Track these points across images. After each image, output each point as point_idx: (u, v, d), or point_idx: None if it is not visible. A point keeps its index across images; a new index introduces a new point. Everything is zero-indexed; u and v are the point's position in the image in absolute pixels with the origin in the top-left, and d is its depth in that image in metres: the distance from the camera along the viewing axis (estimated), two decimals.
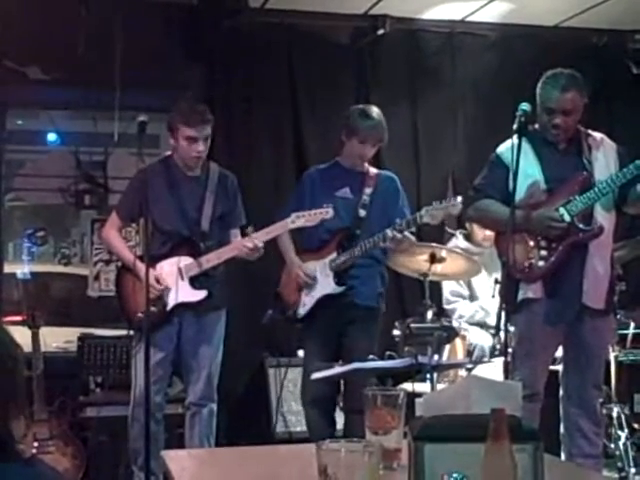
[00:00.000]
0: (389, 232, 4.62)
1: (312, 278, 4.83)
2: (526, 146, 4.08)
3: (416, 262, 4.98)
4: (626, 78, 7.02)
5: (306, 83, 6.38)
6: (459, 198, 4.66)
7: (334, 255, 4.83)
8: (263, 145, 6.30)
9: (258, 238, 4.52)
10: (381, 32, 6.46)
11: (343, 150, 4.96)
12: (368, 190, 4.91)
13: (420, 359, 4.21)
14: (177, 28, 6.08)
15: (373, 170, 5.03)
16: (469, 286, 5.74)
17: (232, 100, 6.14)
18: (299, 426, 5.35)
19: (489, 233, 5.21)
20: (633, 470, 5.00)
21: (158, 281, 4.49)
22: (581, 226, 4.13)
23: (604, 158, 4.26)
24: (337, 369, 4.12)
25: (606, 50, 6.98)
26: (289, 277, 4.94)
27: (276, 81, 6.33)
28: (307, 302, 4.86)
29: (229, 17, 6.09)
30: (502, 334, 3.95)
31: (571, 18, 6.68)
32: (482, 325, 5.59)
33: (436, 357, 4.54)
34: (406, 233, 4.69)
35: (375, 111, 4.91)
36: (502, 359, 3.93)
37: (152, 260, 4.39)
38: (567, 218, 4.12)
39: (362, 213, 4.88)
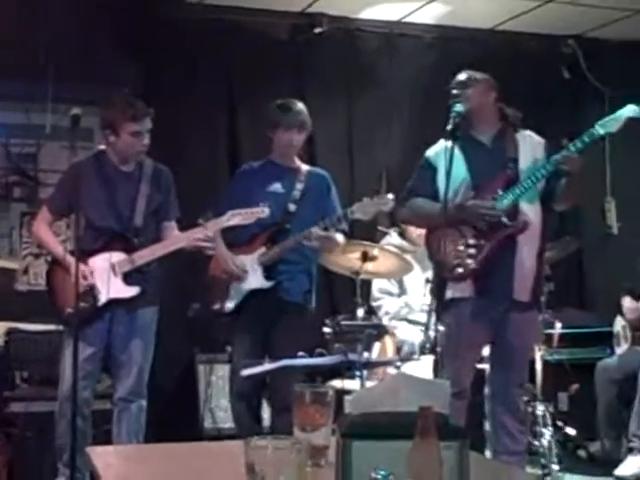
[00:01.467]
0: (314, 230, 4.65)
1: (244, 272, 4.83)
2: (453, 146, 4.11)
3: (348, 260, 5.01)
4: (559, 82, 7.14)
5: (242, 79, 6.36)
6: (390, 195, 4.72)
7: (263, 249, 4.84)
8: (198, 141, 6.27)
9: (209, 228, 4.51)
10: (318, 30, 6.48)
11: (273, 146, 4.98)
12: (299, 185, 4.94)
13: (350, 356, 4.24)
14: (112, 21, 6.01)
15: (305, 166, 5.07)
16: (400, 283, 5.78)
17: (167, 95, 6.08)
18: (228, 422, 5.33)
19: (423, 230, 5.27)
20: (556, 467, 5.09)
21: (84, 277, 4.43)
22: (507, 222, 4.18)
23: (531, 154, 4.31)
24: (267, 366, 4.13)
25: (540, 54, 7.09)
26: (217, 271, 4.94)
27: (212, 77, 6.31)
28: (235, 296, 4.86)
29: (165, 12, 6.04)
30: (432, 332, 4.00)
31: (507, 22, 6.77)
32: (410, 321, 5.64)
33: (366, 354, 4.58)
34: (331, 233, 4.72)
35: (295, 102, 5.00)
36: (431, 357, 3.97)
37: (84, 255, 4.34)
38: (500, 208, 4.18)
39: (292, 208, 4.90)
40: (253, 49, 6.36)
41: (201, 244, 4.53)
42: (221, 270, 4.92)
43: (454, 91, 4.30)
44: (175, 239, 4.57)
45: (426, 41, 6.85)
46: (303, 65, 6.57)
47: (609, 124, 4.08)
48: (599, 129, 4.07)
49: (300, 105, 4.99)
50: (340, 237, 4.86)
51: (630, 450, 5.40)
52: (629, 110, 4.09)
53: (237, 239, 4.92)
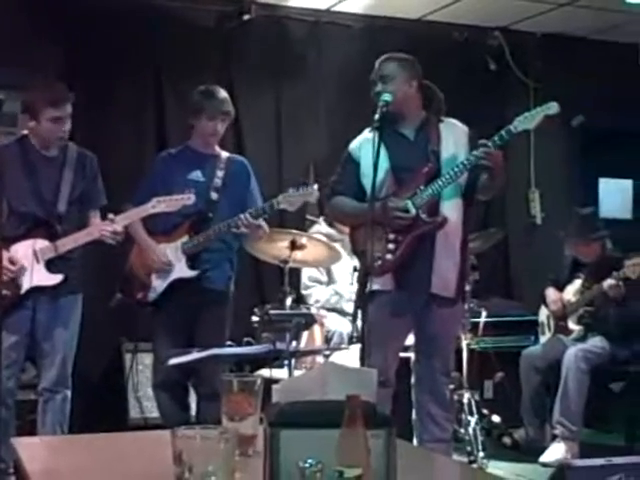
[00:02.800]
0: (243, 217, 4.64)
1: (167, 263, 4.79)
2: (375, 138, 4.11)
3: (276, 248, 5.00)
4: (485, 73, 7.22)
5: (169, 66, 6.30)
6: (315, 186, 4.73)
7: (186, 238, 4.80)
8: (125, 127, 6.20)
9: (118, 222, 4.46)
10: (247, 17, 6.45)
11: (193, 133, 4.95)
12: (220, 173, 4.92)
13: (278, 345, 4.23)
14: (35, 4, 5.90)
15: (225, 153, 5.04)
16: (328, 272, 5.80)
17: (92, 80, 5.99)
18: (155, 412, 5.29)
19: None
20: (481, 454, 5.17)
21: (12, 262, 4.36)
22: (425, 218, 4.19)
23: (454, 145, 4.29)
24: (195, 355, 4.10)
25: (467, 45, 7.16)
26: (139, 260, 4.89)
27: (139, 63, 6.23)
28: (158, 286, 4.82)
29: None
30: (358, 322, 4.01)
31: (434, 12, 6.82)
32: (339, 311, 5.67)
33: (294, 343, 4.58)
34: (260, 220, 4.71)
35: (218, 88, 4.96)
36: (359, 346, 3.99)
37: (7, 242, 4.25)
38: (412, 210, 4.17)
39: (214, 196, 4.87)
40: (180, 36, 6.30)
41: (107, 240, 4.47)
42: (142, 260, 4.88)
43: (377, 87, 4.25)
44: (79, 235, 4.50)
45: (354, 30, 6.86)
46: (231, 53, 6.53)
47: (527, 121, 4.10)
48: (517, 125, 4.10)
49: (223, 92, 4.95)
50: (266, 226, 4.87)
51: (554, 437, 5.49)
52: (548, 107, 4.12)
53: (158, 228, 4.87)
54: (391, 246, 4.19)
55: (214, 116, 4.86)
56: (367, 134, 4.27)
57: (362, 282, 4.00)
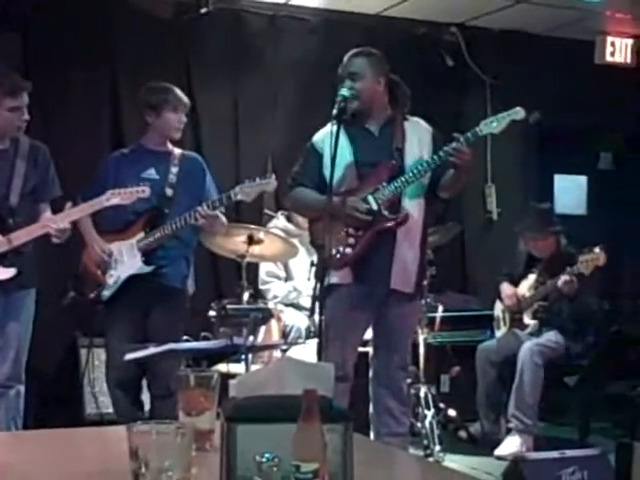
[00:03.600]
0: (201, 209, 4.62)
1: (109, 255, 4.74)
2: (341, 132, 4.13)
3: (234, 243, 4.99)
4: (442, 69, 7.25)
5: (126, 57, 6.24)
6: (273, 176, 4.71)
7: (141, 235, 4.76)
8: (80, 119, 6.12)
9: (63, 218, 4.40)
10: (204, 10, 6.41)
11: (150, 130, 4.90)
12: (174, 170, 4.88)
13: (235, 340, 4.23)
14: None
15: (178, 150, 5.00)
16: (286, 267, 5.80)
17: (47, 72, 5.92)
18: (111, 407, 5.25)
19: None
20: (438, 447, 5.20)
21: None
22: (387, 214, 4.21)
23: (417, 144, 4.32)
24: (151, 350, 4.08)
25: (424, 41, 7.18)
26: (89, 258, 4.84)
27: (94, 54, 6.16)
28: (112, 283, 4.78)
29: None
30: (316, 316, 4.02)
31: (392, 7, 6.83)
32: (296, 306, 5.67)
33: (251, 338, 4.57)
34: (218, 212, 4.69)
35: (170, 85, 4.92)
36: (316, 341, 4.00)
37: None
38: (374, 206, 4.18)
39: (169, 192, 4.84)
40: (137, 28, 6.25)
41: (53, 238, 4.42)
42: (91, 257, 4.83)
43: (346, 84, 4.24)
44: (31, 229, 4.44)
45: (312, 24, 6.85)
46: (188, 45, 6.49)
47: (493, 125, 4.14)
48: (483, 129, 4.13)
49: (176, 88, 4.92)
50: (224, 218, 4.85)
51: (509, 430, 5.54)
52: (515, 112, 4.16)
53: (112, 226, 4.82)
54: (351, 240, 4.20)
55: (177, 108, 4.83)
56: (330, 127, 4.26)
57: (320, 276, 4.01)
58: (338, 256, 4.19)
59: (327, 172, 4.14)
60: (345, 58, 4.35)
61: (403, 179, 4.17)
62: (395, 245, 4.21)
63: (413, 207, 4.26)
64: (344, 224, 4.20)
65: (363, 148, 4.27)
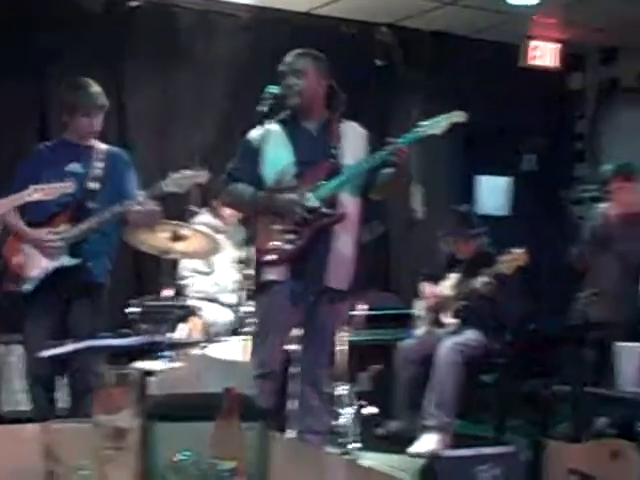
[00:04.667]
0: (141, 198, 4.57)
1: (54, 241, 4.66)
2: (279, 130, 4.15)
3: (158, 240, 4.96)
4: (372, 68, 7.29)
5: (53, 53, 6.14)
6: (205, 168, 4.69)
7: (66, 227, 4.70)
8: (5, 115, 6.03)
9: None
10: (135, 4, 6.37)
11: (69, 127, 4.83)
12: (99, 164, 4.82)
13: (155, 337, 4.21)
14: None
15: (102, 145, 4.94)
16: (210, 262, 5.77)
17: None
18: (28, 405, 5.17)
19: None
20: (355, 445, 5.22)
21: None
22: (325, 211, 4.24)
23: (354, 145, 4.37)
24: (70, 346, 4.03)
25: (355, 40, 7.21)
26: (11, 252, 4.74)
27: (21, 49, 6.06)
28: (35, 276, 4.69)
29: None
30: (242, 313, 4.02)
31: (324, 6, 6.85)
32: (217, 301, 5.64)
33: (172, 335, 4.56)
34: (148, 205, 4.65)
35: (90, 81, 4.82)
36: (239, 338, 4.00)
37: None
38: (314, 203, 4.20)
39: (94, 186, 4.77)
40: (66, 20, 6.16)
41: None
42: (16, 251, 4.74)
43: (289, 79, 4.25)
44: None
45: (243, 21, 6.84)
46: (117, 40, 6.42)
47: (434, 127, 4.19)
48: (425, 130, 4.17)
49: (95, 85, 4.81)
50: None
51: (425, 428, 5.60)
52: (456, 115, 4.21)
53: (36, 218, 4.73)
54: (290, 237, 4.21)
55: (89, 112, 4.74)
56: (268, 125, 4.27)
57: (256, 272, 4.01)
58: (276, 254, 4.20)
59: (264, 169, 4.15)
60: (290, 55, 4.36)
61: (342, 177, 4.21)
62: (332, 243, 4.25)
63: (351, 204, 4.31)
64: (282, 221, 4.21)
65: (302, 147, 4.30)
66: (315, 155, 4.30)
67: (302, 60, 4.33)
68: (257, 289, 4.02)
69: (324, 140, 4.35)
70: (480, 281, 5.62)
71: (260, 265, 4.12)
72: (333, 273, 4.25)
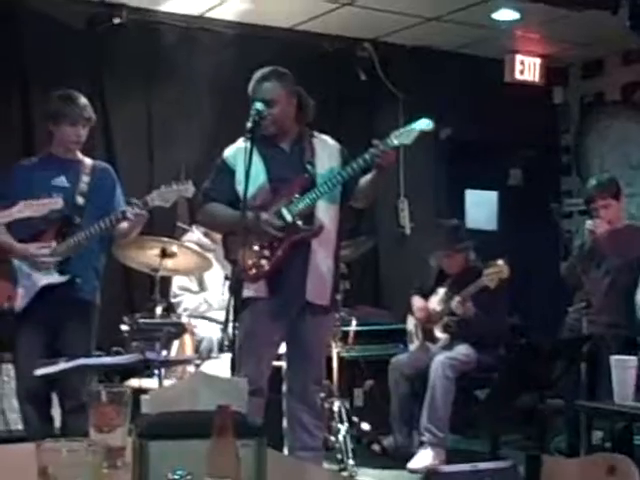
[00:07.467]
0: (130, 209, 4.55)
1: (46, 254, 4.63)
2: (251, 148, 4.11)
3: (147, 256, 4.94)
4: (355, 84, 7.31)
5: (37, 69, 6.13)
6: (190, 182, 4.68)
7: (53, 244, 4.67)
8: None
9: None
10: (117, 21, 6.36)
11: (54, 140, 4.81)
12: (85, 178, 4.80)
13: (148, 355, 4.18)
14: None
15: (88, 160, 4.92)
16: (200, 280, 5.76)
17: None
18: (20, 424, 5.13)
19: None
20: (351, 462, 5.22)
21: None
22: (302, 225, 4.23)
23: (327, 159, 4.35)
24: (62, 365, 4.00)
25: (337, 56, 7.24)
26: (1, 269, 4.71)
27: (5, 62, 6.05)
28: (25, 294, 4.65)
29: None
30: (230, 330, 4.00)
31: (306, 22, 6.87)
32: (208, 318, 5.63)
33: (164, 353, 4.53)
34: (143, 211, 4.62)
35: (77, 94, 4.80)
36: (230, 355, 3.97)
37: None
38: (289, 218, 4.20)
39: (80, 201, 4.74)
40: (49, 37, 6.15)
41: None
42: (5, 268, 4.70)
43: (259, 107, 4.18)
44: None
45: (226, 37, 6.85)
46: (101, 56, 6.42)
47: (403, 136, 4.17)
48: (394, 140, 4.15)
49: (83, 98, 4.79)
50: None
51: (421, 443, 5.59)
52: (423, 123, 4.20)
53: (22, 235, 4.70)
54: (266, 252, 4.20)
55: (76, 122, 4.73)
56: (241, 143, 4.26)
57: (235, 289, 4.00)
58: (253, 269, 4.18)
59: (240, 187, 4.13)
60: (254, 80, 4.30)
61: (317, 191, 4.20)
62: (310, 257, 4.23)
63: (327, 217, 4.29)
64: (258, 238, 4.20)
65: (275, 166, 4.29)
66: (289, 172, 4.30)
67: (269, 86, 4.27)
68: (240, 305, 4.00)
69: (298, 156, 4.35)
70: (456, 301, 5.66)
71: (239, 282, 4.10)
72: (313, 288, 4.24)
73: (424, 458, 5.47)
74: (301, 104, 4.41)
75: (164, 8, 6.55)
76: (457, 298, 5.68)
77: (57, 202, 4.44)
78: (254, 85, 4.31)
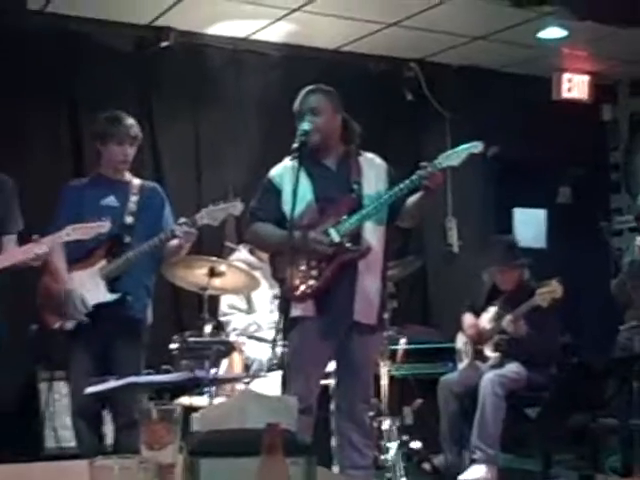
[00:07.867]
0: (179, 227, 4.60)
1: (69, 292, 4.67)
2: (298, 167, 4.12)
3: (195, 276, 4.96)
4: (401, 104, 7.31)
5: (86, 92, 6.21)
6: (238, 200, 4.71)
7: (103, 263, 4.72)
8: (41, 153, 6.10)
9: (45, 243, 4.31)
10: (165, 44, 6.43)
11: (102, 160, 4.89)
12: (134, 198, 4.86)
13: (197, 373, 4.20)
14: None
15: (137, 180, 4.99)
16: (248, 300, 5.78)
17: (9, 107, 5.89)
18: (72, 441, 5.18)
19: None
20: None
21: None
22: (349, 246, 4.22)
23: (374, 179, 4.35)
24: (112, 383, 4.04)
25: (383, 76, 7.25)
26: (52, 287, 4.75)
27: (55, 88, 6.15)
28: (77, 312, 4.70)
29: (6, 19, 5.85)
30: (279, 349, 4.01)
31: (352, 43, 6.90)
32: (257, 338, 5.64)
33: (213, 371, 4.55)
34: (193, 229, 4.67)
35: (124, 115, 4.89)
36: (279, 373, 3.98)
37: None
38: (336, 239, 4.20)
39: (129, 220, 4.81)
40: (98, 61, 6.24)
41: (33, 262, 4.34)
42: (57, 287, 4.76)
43: (306, 118, 4.22)
44: (12, 253, 4.38)
45: (272, 59, 6.90)
46: (149, 79, 6.50)
47: (451, 158, 4.16)
48: (442, 162, 4.15)
49: (130, 118, 4.89)
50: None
51: (473, 461, 5.54)
52: (472, 146, 4.19)
53: (73, 254, 4.75)
54: (314, 272, 4.21)
55: (123, 141, 4.80)
56: (288, 162, 4.28)
57: (283, 309, 4.01)
58: (301, 289, 4.19)
59: (287, 207, 4.14)
60: (301, 94, 4.36)
61: (364, 212, 4.20)
62: (357, 277, 4.23)
63: (374, 238, 4.29)
64: (306, 257, 4.20)
65: (322, 184, 4.30)
66: (335, 191, 4.30)
67: (315, 97, 4.33)
68: (288, 325, 4.01)
69: (344, 175, 4.35)
70: (507, 319, 5.61)
71: (287, 302, 4.11)
72: (360, 308, 4.23)
73: (476, 472, 5.42)
74: (347, 126, 4.43)
75: (211, 31, 6.62)
76: (509, 317, 5.63)
77: (104, 226, 4.48)
78: (300, 99, 4.35)
